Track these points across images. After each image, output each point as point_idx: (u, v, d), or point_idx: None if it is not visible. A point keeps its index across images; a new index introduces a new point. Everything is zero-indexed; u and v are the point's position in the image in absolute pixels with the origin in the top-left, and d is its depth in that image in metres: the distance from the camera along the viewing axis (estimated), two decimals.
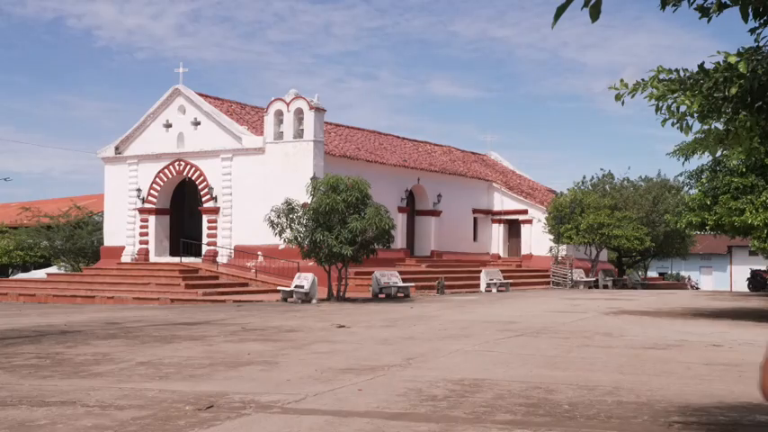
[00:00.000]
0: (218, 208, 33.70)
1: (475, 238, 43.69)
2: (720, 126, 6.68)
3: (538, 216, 42.84)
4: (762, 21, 5.24)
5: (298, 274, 25.91)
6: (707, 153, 7.89)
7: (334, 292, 25.68)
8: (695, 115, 6.21)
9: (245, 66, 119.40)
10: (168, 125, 34.96)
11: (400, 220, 36.58)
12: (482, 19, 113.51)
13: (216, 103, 34.80)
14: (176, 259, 33.87)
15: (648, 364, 10.66)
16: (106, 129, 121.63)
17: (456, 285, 32.80)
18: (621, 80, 6.21)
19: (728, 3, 4.84)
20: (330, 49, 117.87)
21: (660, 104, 6.16)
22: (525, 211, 43.85)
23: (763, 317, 20.83)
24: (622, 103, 6.20)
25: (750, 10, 4.82)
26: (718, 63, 5.86)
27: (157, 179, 35.20)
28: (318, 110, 31.88)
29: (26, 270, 43.49)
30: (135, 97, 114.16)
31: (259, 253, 31.42)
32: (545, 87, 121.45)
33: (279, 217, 25.23)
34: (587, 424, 6.82)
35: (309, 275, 25.34)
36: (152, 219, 35.30)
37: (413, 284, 29.33)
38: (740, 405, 7.85)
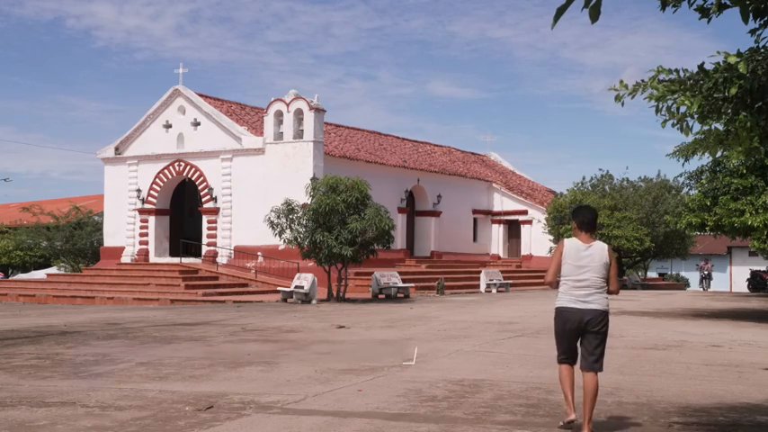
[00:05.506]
0: (218, 208, 33.71)
1: (475, 239, 43.71)
2: (720, 127, 6.66)
3: (538, 216, 42.82)
4: (762, 21, 5.23)
5: (297, 275, 25.91)
6: (707, 154, 7.85)
7: (334, 293, 25.68)
8: (695, 116, 6.19)
9: (245, 66, 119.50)
10: (168, 126, 34.96)
11: (400, 221, 36.59)
12: (481, 19, 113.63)
13: (216, 104, 34.81)
14: (176, 260, 33.87)
15: (648, 365, 10.66)
16: (106, 129, 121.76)
17: (456, 286, 32.81)
18: (621, 81, 6.19)
19: (728, 3, 4.83)
20: (329, 49, 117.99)
21: (660, 105, 6.14)
22: (525, 212, 43.86)
23: (763, 317, 20.83)
24: (622, 104, 6.19)
25: (750, 10, 4.81)
26: (718, 63, 5.84)
27: (157, 180, 35.21)
28: (318, 110, 31.89)
29: (26, 270, 43.50)
30: (135, 97, 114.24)
31: (259, 253, 31.42)
32: (545, 88, 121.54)
33: (279, 217, 25.24)
34: None
35: (309, 276, 25.33)
36: (152, 219, 35.30)
37: (413, 285, 29.33)
38: (740, 405, 7.85)
